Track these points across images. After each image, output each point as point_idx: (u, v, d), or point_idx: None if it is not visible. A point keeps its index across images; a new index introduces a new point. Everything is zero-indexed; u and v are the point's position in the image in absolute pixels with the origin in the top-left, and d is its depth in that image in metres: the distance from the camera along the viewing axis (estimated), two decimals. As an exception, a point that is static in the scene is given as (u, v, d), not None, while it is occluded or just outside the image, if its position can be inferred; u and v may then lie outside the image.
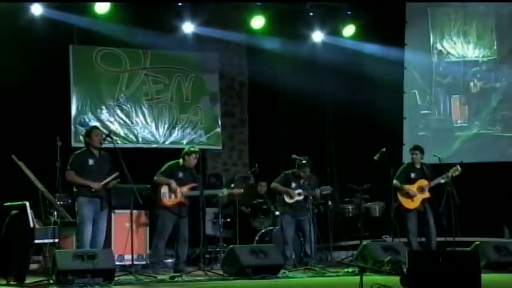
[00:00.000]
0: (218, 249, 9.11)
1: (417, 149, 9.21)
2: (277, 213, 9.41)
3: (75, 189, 7.68)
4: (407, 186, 9.01)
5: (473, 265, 5.89)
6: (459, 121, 11.05)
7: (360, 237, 9.40)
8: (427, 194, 8.98)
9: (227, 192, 8.74)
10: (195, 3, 10.33)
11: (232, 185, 9.30)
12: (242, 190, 9.12)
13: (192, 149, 8.67)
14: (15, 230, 7.19)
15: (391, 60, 10.84)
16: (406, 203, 9.02)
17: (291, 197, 8.82)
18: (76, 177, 7.60)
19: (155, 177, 8.34)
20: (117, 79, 10.47)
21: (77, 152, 7.86)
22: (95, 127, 8.35)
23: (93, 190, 7.58)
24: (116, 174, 7.66)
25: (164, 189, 8.23)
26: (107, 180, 7.63)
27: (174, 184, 8.22)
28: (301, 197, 8.86)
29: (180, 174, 8.33)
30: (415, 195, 8.98)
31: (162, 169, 8.38)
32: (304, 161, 8.80)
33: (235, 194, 9.03)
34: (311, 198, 8.78)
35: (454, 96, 11.10)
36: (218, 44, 10.96)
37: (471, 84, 11.01)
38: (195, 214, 8.31)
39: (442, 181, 8.91)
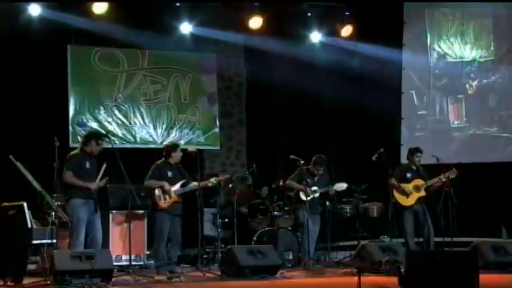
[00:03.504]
0: (216, 249, 9.11)
1: (420, 151, 9.20)
2: (275, 213, 9.41)
3: (68, 191, 7.65)
4: (403, 184, 9.03)
5: (471, 265, 5.90)
6: (456, 122, 11.07)
7: (357, 238, 9.40)
8: (423, 193, 9.01)
9: (216, 180, 8.49)
10: (193, 3, 10.33)
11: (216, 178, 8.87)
12: (228, 175, 8.99)
13: (175, 143, 8.69)
14: (12, 230, 7.18)
15: (389, 61, 10.86)
16: (402, 200, 9.03)
17: (307, 195, 8.80)
18: (74, 179, 7.60)
19: (146, 183, 8.24)
20: (115, 79, 10.47)
21: (72, 153, 7.83)
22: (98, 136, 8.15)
23: (92, 191, 7.57)
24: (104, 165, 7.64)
25: (158, 192, 8.17)
26: (100, 176, 7.60)
27: (167, 186, 8.18)
28: (316, 194, 8.89)
29: (169, 174, 8.26)
30: (410, 193, 9.00)
31: (150, 172, 8.26)
32: (301, 162, 8.80)
33: (222, 180, 8.85)
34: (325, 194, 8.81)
35: (451, 96, 11.11)
36: (216, 44, 10.95)
37: (468, 84, 11.02)
38: (193, 214, 8.29)
39: (438, 183, 8.92)
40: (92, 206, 7.64)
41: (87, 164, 7.69)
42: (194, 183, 8.23)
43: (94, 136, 7.95)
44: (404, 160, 9.99)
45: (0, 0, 9.24)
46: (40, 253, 7.90)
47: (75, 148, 8.39)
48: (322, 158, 9.07)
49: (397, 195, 9.02)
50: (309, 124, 11.14)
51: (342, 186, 9.07)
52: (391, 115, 10.93)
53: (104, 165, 7.65)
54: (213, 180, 8.45)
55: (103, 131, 9.59)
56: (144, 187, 8.30)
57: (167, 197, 8.20)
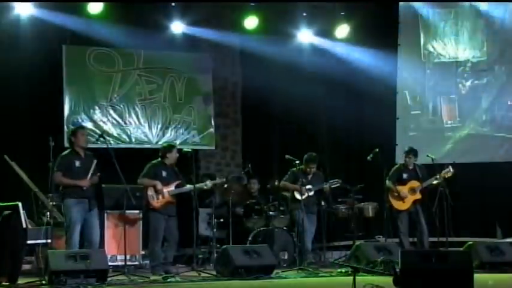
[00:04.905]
0: (211, 249, 9.11)
1: (411, 152, 9.23)
2: (270, 213, 9.42)
3: (61, 191, 7.65)
4: (399, 188, 9.05)
5: (466, 265, 5.92)
6: (450, 122, 11.10)
7: (353, 238, 9.42)
8: (418, 195, 9.03)
9: (211, 184, 8.55)
10: (188, 2, 10.32)
11: (217, 179, 9.04)
12: (224, 179, 9.01)
13: (172, 143, 8.71)
14: (7, 230, 7.16)
15: (385, 61, 10.88)
16: (397, 205, 9.08)
17: (302, 193, 8.80)
18: (63, 178, 7.59)
19: (139, 180, 8.24)
20: (110, 79, 10.45)
21: (62, 153, 7.81)
22: (81, 127, 8.31)
23: (84, 189, 7.56)
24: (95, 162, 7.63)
25: (150, 192, 8.16)
26: (90, 172, 7.58)
27: (159, 185, 8.17)
28: (311, 193, 8.90)
29: (164, 174, 8.25)
30: (406, 197, 9.03)
31: (145, 171, 8.26)
32: (296, 162, 8.81)
33: (218, 183, 8.90)
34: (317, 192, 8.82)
35: (444, 96, 11.15)
36: (211, 44, 10.95)
37: (461, 85, 11.06)
38: (188, 214, 8.29)
39: (434, 182, 8.96)
40: (87, 206, 7.63)
41: (77, 163, 7.68)
42: (189, 186, 8.23)
43: (73, 132, 7.91)
44: (398, 160, 10.02)
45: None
46: (35, 253, 7.89)
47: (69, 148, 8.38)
48: (312, 155, 9.07)
49: (393, 200, 9.06)
50: (304, 124, 11.15)
51: (336, 181, 9.09)
52: (386, 115, 10.95)
53: (95, 162, 7.64)
54: (208, 183, 8.47)
55: (98, 131, 9.58)
56: (139, 185, 8.29)
57: (160, 196, 8.19)
